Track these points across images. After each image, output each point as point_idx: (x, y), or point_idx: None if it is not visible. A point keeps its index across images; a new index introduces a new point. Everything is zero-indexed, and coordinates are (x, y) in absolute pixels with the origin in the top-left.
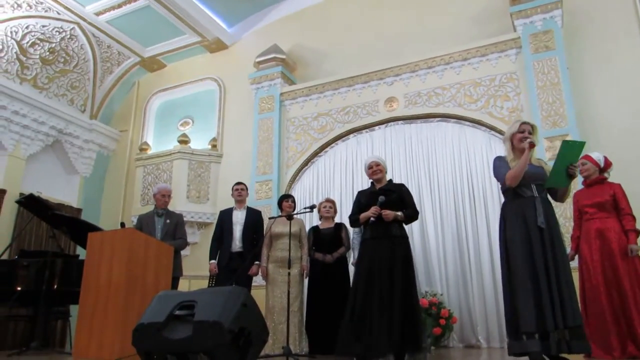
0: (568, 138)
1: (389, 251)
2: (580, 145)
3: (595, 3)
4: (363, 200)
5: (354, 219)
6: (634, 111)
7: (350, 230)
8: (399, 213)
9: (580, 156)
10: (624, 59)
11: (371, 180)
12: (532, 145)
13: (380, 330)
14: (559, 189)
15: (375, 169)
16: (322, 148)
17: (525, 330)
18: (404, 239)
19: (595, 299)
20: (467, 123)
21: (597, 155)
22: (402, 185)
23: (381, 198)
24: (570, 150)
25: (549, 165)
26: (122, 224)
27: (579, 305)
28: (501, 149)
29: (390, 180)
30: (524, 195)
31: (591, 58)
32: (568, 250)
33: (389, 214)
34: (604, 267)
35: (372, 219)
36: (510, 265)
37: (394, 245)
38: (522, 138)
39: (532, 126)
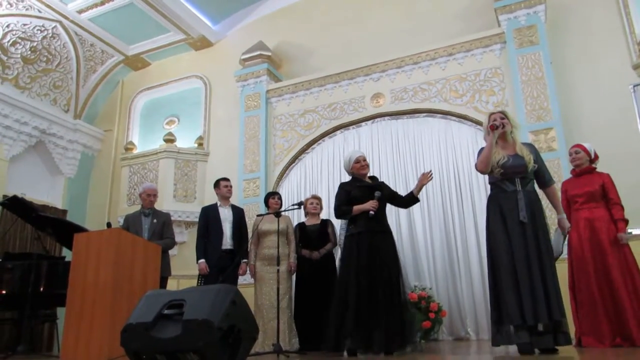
0: (552, 132)
1: (384, 246)
2: None
3: None
4: (356, 193)
5: (345, 210)
6: (616, 105)
7: (337, 226)
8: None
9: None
10: (607, 54)
11: (353, 175)
12: (492, 127)
13: (380, 324)
14: (546, 180)
15: (363, 164)
16: (309, 145)
17: (513, 323)
18: (392, 234)
19: (586, 288)
20: (453, 118)
21: (589, 145)
22: (384, 183)
23: (377, 193)
24: None
25: (527, 150)
26: (109, 224)
27: (568, 294)
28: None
29: (375, 177)
30: (507, 190)
31: (574, 53)
32: None
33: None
34: (594, 256)
35: (371, 212)
36: (493, 260)
37: (387, 241)
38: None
39: (502, 112)
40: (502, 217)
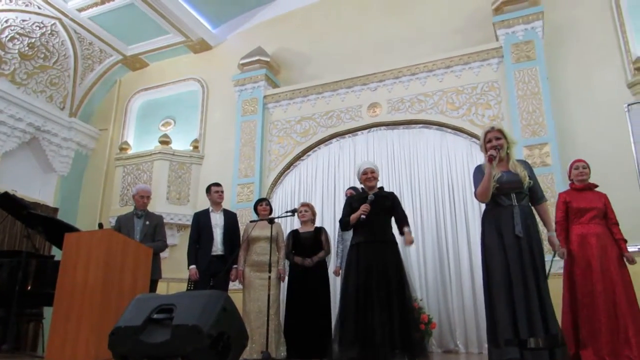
0: (547, 147)
1: (383, 255)
2: None
3: (575, 16)
4: (356, 205)
5: (345, 222)
6: (611, 123)
7: (331, 236)
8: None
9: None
10: (602, 72)
11: (362, 186)
12: (490, 159)
13: (384, 335)
14: (538, 197)
15: (369, 176)
16: (305, 152)
17: (504, 338)
18: (396, 244)
19: (591, 304)
20: (449, 130)
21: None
22: (393, 194)
23: (370, 196)
24: None
25: (521, 166)
26: (100, 225)
27: (566, 309)
28: (482, 156)
29: (382, 188)
30: (503, 204)
31: (570, 70)
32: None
33: (410, 240)
34: (603, 272)
35: (362, 216)
36: (488, 273)
37: (387, 250)
38: (488, 149)
39: (499, 130)
40: (497, 231)
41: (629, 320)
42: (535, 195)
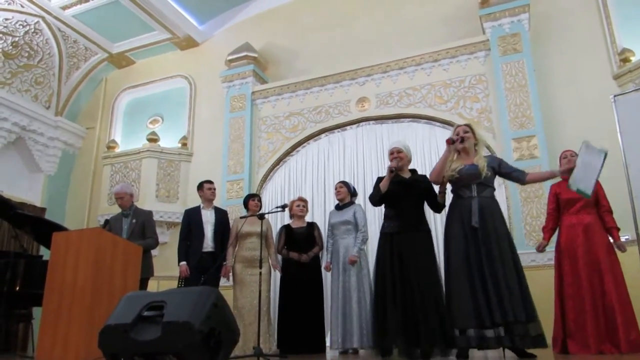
0: (534, 139)
1: (418, 246)
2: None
3: (561, 8)
4: (391, 187)
5: (376, 191)
6: (597, 115)
7: (323, 231)
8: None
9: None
10: (589, 64)
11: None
12: (448, 142)
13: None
14: (518, 176)
15: (395, 156)
16: (294, 147)
17: (463, 325)
18: (429, 233)
19: (576, 294)
20: (438, 124)
21: None
22: (426, 176)
23: (394, 162)
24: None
25: (484, 160)
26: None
27: (556, 299)
28: None
29: (414, 171)
30: (463, 196)
31: (557, 62)
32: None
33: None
34: (587, 262)
35: (392, 169)
36: (448, 264)
37: (421, 240)
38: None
39: (468, 125)
40: (460, 222)
41: (617, 309)
42: (515, 178)
